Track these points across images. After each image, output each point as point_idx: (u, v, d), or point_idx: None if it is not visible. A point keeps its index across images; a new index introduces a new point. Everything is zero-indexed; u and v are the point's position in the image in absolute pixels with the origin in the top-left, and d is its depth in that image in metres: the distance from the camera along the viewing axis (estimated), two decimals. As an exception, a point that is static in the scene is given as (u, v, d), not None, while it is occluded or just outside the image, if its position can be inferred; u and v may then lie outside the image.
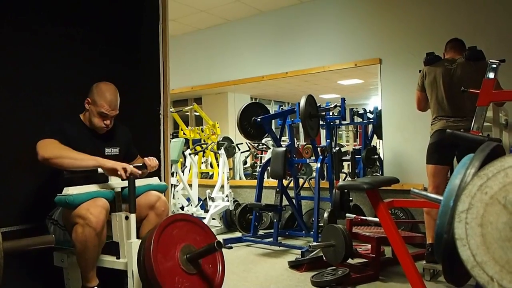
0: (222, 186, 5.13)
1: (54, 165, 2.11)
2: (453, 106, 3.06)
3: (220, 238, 4.44)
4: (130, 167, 2.15)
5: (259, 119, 4.48)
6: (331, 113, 4.69)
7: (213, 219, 5.02)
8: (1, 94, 2.39)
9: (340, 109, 4.54)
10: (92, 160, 2.14)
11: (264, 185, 4.64)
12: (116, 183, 2.21)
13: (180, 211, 5.11)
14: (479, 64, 2.87)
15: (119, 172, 2.12)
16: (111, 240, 2.16)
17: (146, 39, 2.97)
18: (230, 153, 5.98)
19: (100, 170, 2.19)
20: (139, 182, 2.30)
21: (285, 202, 4.39)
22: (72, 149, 2.22)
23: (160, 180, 2.67)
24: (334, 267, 3.13)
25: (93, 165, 2.13)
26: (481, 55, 3.01)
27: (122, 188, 2.23)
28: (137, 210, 2.24)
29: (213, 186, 5.22)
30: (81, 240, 1.99)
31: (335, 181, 4.19)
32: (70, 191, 2.01)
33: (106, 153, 2.40)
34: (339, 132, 7.15)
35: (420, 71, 3.31)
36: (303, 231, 4.50)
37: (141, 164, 2.38)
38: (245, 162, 6.66)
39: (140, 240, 2.02)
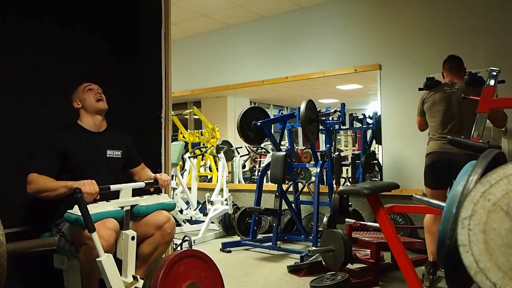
0: (221, 190, 5.13)
1: (43, 198, 2.13)
2: (451, 128, 3.02)
3: (219, 241, 4.46)
4: (94, 186, 2.04)
5: (259, 123, 4.49)
6: (330, 118, 4.70)
7: (212, 222, 5.02)
8: (2, 97, 2.40)
9: (339, 114, 4.55)
10: (63, 187, 2.07)
11: (263, 189, 4.65)
12: (127, 201, 2.17)
13: (179, 214, 5.11)
14: (479, 90, 2.69)
15: (84, 190, 1.99)
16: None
17: (148, 43, 2.98)
18: (229, 156, 5.99)
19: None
20: (149, 201, 2.27)
21: (284, 206, 4.40)
22: (72, 154, 2.25)
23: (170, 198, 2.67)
24: (333, 272, 3.13)
25: (67, 190, 2.06)
26: (481, 81, 2.95)
27: (132, 206, 2.20)
28: (144, 228, 2.22)
29: (212, 190, 5.22)
30: (90, 261, 1.96)
31: (335, 186, 4.20)
32: None
33: (107, 155, 2.39)
34: (338, 137, 7.17)
35: (419, 89, 3.30)
36: (302, 236, 4.51)
37: (152, 181, 2.36)
38: (244, 166, 6.67)
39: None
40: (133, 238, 2.09)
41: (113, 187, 2.13)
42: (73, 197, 1.94)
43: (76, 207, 1.94)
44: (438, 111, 3.09)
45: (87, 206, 1.91)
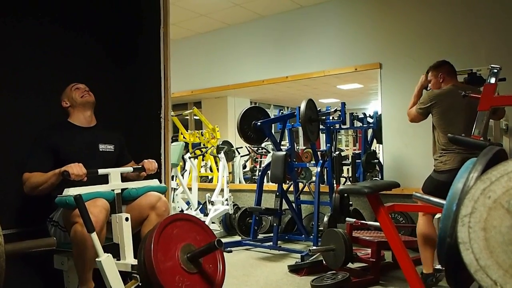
0: (222, 190, 5.12)
1: (40, 194, 2.20)
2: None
3: (220, 242, 4.45)
4: (81, 168, 2.09)
5: (259, 123, 4.49)
6: (331, 118, 4.70)
7: (213, 222, 5.01)
8: (1, 97, 2.39)
9: (340, 113, 4.55)
10: (53, 175, 2.14)
11: (264, 189, 4.64)
12: (116, 184, 2.20)
13: (180, 215, 5.10)
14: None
15: (71, 171, 2.06)
16: (111, 242, 2.15)
17: (147, 43, 2.97)
18: (230, 157, 5.98)
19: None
20: (139, 184, 2.31)
21: (284, 206, 4.39)
22: (63, 149, 2.29)
23: (160, 183, 2.67)
24: (334, 272, 3.12)
25: (57, 177, 2.13)
26: (482, 80, 2.85)
27: (122, 190, 2.23)
28: (138, 210, 2.25)
29: (212, 190, 5.22)
30: (80, 240, 1.99)
31: (335, 185, 4.20)
32: (71, 191, 2.00)
33: (100, 149, 2.44)
34: (339, 137, 7.16)
35: (424, 87, 3.17)
36: (303, 235, 4.50)
37: (140, 166, 2.39)
38: (244, 166, 6.66)
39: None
40: (127, 219, 2.11)
41: (101, 171, 2.17)
42: (63, 179, 2.05)
43: (65, 190, 2.00)
44: (458, 119, 2.82)
45: (77, 188, 1.96)
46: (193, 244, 2.01)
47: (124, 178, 2.34)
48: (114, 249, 2.12)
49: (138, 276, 2.00)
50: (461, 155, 2.75)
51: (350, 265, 3.22)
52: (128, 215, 2.13)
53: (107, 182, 2.19)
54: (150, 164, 2.41)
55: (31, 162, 2.25)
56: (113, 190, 2.17)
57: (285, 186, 4.56)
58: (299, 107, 4.14)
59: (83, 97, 2.43)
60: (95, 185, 2.14)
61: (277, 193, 4.34)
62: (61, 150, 2.29)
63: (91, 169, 2.14)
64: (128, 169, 2.33)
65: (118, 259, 2.10)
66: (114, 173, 2.22)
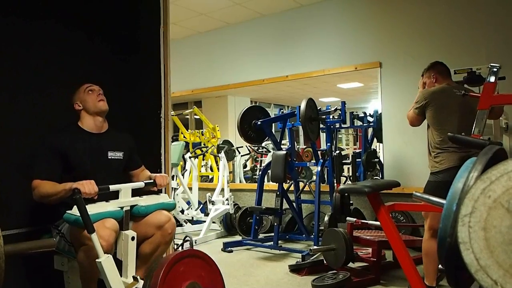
0: (222, 190, 5.12)
1: (49, 203, 2.14)
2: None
3: (220, 241, 4.45)
4: (93, 186, 2.03)
5: (259, 123, 4.49)
6: (331, 117, 4.69)
7: (213, 222, 5.01)
8: (2, 97, 2.39)
9: (340, 112, 4.55)
10: (63, 190, 2.06)
11: (264, 188, 4.64)
12: (126, 201, 2.16)
13: (180, 215, 5.10)
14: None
15: (83, 190, 1.98)
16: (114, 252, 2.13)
17: (147, 43, 2.97)
18: (230, 156, 5.98)
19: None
20: (148, 200, 2.26)
21: (285, 205, 4.39)
22: (71, 155, 2.23)
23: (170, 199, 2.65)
24: (335, 271, 3.12)
25: (67, 192, 2.04)
26: (481, 78, 2.84)
27: (131, 207, 2.19)
28: (144, 228, 2.21)
29: (213, 190, 5.22)
30: (89, 262, 1.96)
31: (336, 184, 4.20)
32: None
33: (109, 157, 2.37)
34: (339, 136, 7.16)
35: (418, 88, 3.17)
36: (304, 235, 4.50)
37: (151, 181, 2.34)
38: (245, 166, 6.66)
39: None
40: (133, 238, 2.08)
41: (113, 187, 2.12)
42: (72, 197, 1.93)
43: (75, 207, 1.93)
44: (451, 118, 2.75)
45: (86, 206, 1.90)
46: (197, 282, 1.99)
47: None
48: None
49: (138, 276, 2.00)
50: (457, 154, 2.69)
51: (351, 264, 3.22)
52: (135, 234, 2.10)
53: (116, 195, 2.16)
54: (162, 179, 2.35)
55: (40, 168, 2.17)
56: (122, 208, 2.13)
57: (285, 186, 4.55)
58: (299, 106, 4.14)
59: (99, 101, 2.36)
60: (106, 200, 2.10)
61: (278, 193, 4.34)
62: (68, 156, 2.23)
63: (103, 186, 2.07)
64: (139, 184, 2.27)
65: (120, 276, 2.07)
66: (125, 189, 2.17)
